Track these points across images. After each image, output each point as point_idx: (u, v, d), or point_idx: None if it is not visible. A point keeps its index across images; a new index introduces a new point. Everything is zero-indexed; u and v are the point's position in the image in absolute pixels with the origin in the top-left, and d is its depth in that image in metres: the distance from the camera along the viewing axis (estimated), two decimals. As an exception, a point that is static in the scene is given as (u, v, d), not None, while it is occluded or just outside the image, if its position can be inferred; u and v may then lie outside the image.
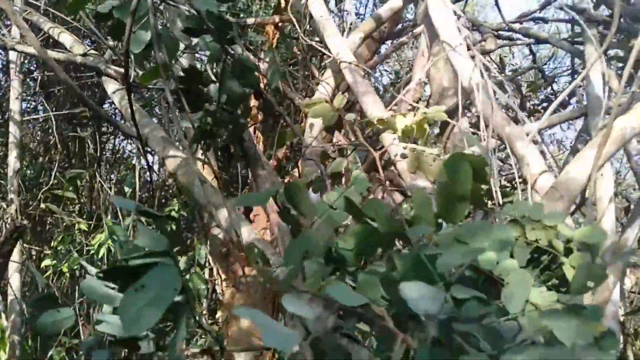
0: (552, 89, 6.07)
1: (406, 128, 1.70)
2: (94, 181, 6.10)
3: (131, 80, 1.94)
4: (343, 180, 2.40)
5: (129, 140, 7.41)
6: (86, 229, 4.98)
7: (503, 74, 5.93)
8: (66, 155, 5.75)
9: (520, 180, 1.73)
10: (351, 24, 2.53)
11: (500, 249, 0.90)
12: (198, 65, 2.77)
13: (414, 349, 0.77)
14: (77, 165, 5.87)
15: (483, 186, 1.36)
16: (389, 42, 4.26)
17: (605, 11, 3.60)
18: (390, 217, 0.96)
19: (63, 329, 0.91)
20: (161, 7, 1.67)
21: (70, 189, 4.53)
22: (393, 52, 3.66)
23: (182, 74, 1.64)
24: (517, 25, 3.97)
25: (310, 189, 1.75)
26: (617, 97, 1.64)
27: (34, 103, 6.33)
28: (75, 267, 4.63)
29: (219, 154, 2.51)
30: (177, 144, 1.83)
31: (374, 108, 1.89)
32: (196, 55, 2.46)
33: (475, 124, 2.08)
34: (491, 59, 6.42)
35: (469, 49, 1.99)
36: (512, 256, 1.39)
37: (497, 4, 3.89)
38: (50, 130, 5.83)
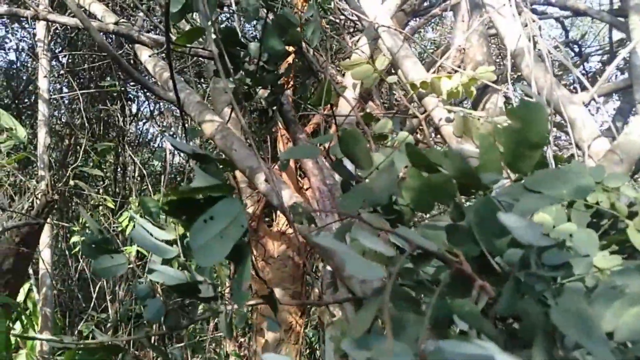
0: (584, 67, 5.86)
1: (452, 90, 1.63)
2: (119, 161, 6.17)
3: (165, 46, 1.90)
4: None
5: (152, 122, 7.46)
6: (112, 207, 5.03)
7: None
8: (91, 134, 5.81)
9: (573, 145, 1.64)
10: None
11: (580, 196, 0.84)
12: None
13: (492, 297, 0.72)
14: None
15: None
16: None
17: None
18: (455, 157, 0.90)
19: (118, 274, 0.89)
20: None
21: (98, 166, 4.58)
22: (425, 24, 3.55)
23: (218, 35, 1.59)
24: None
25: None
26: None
27: (59, 85, 6.40)
28: (102, 244, 4.70)
29: (253, 116, 2.47)
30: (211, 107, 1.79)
31: (415, 71, 1.82)
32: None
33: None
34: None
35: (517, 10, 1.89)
36: (569, 220, 1.33)
37: (533, -25, 3.73)
38: (76, 110, 5.89)
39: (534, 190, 0.87)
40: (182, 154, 6.90)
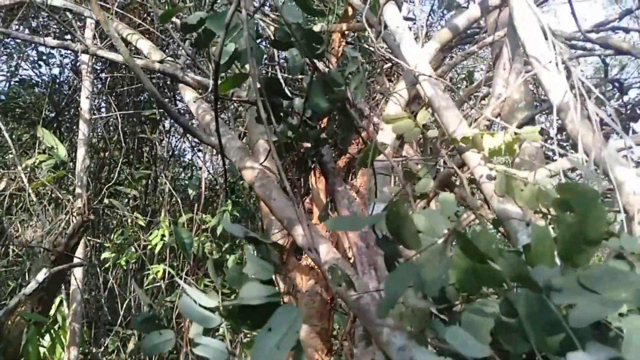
0: (623, 100, 5.70)
1: (494, 148, 1.61)
2: (150, 178, 6.31)
3: (210, 90, 1.95)
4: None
5: (184, 139, 7.63)
6: (143, 224, 5.14)
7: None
8: (125, 152, 5.98)
9: (621, 209, 1.59)
10: (426, 34, 2.44)
11: (636, 300, 0.81)
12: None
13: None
14: (135, 162, 6.10)
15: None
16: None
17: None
18: (512, 258, 0.89)
19: (165, 350, 0.90)
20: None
21: (134, 187, 4.71)
22: (462, 60, 3.54)
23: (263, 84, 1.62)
24: (593, 35, 3.74)
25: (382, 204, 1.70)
26: None
27: (97, 102, 6.63)
28: (133, 261, 4.81)
29: (294, 166, 2.51)
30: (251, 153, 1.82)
31: (456, 124, 1.81)
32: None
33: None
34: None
35: (563, 64, 1.86)
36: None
37: (572, 11, 3.68)
38: (113, 128, 6.09)
39: (587, 287, 0.84)
40: (211, 171, 7.00)
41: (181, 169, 7.28)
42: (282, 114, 1.63)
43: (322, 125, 1.56)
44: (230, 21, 1.38)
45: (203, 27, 1.55)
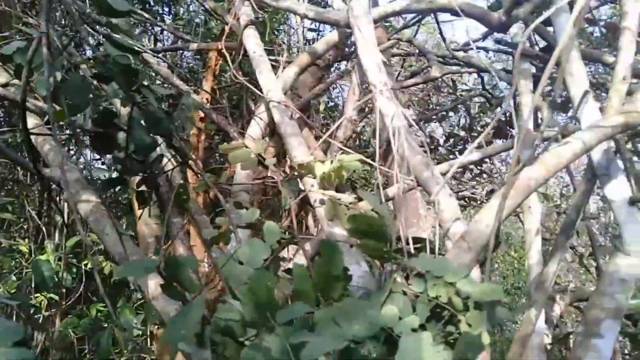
0: (494, 113, 6.28)
1: (324, 174, 1.71)
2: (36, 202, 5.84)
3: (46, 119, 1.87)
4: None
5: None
6: (27, 250, 4.76)
7: (455, 95, 6.10)
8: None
9: (436, 226, 1.76)
10: (287, 58, 2.52)
11: (369, 332, 0.91)
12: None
13: None
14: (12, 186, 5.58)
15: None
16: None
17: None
18: (269, 296, 0.96)
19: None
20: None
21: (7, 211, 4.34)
22: (338, 79, 3.69)
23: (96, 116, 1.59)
24: (461, 54, 4.08)
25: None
26: (516, 149, 1.71)
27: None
28: (13, 290, 4.42)
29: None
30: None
31: (298, 151, 1.89)
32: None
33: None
34: (444, 81, 6.58)
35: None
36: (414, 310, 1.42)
37: (440, 33, 4.00)
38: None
39: (336, 322, 0.93)
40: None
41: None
42: (113, 146, 1.61)
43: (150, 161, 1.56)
44: (33, 56, 1.34)
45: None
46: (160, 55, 3.28)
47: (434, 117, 6.37)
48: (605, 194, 2.03)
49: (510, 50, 3.49)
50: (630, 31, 2.09)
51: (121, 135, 1.52)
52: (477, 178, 6.44)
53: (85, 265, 4.74)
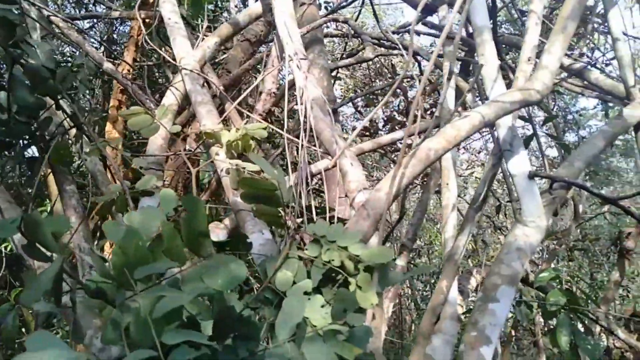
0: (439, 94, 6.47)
1: (230, 142, 1.68)
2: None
3: None
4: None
5: None
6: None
7: (392, 78, 6.20)
8: None
9: (344, 196, 1.78)
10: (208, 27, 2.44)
11: (230, 286, 0.90)
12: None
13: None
14: None
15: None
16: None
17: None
18: (139, 255, 0.93)
19: None
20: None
21: None
22: (268, 56, 3.64)
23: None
24: (395, 36, 4.14)
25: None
26: (417, 119, 1.76)
27: None
28: None
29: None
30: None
31: (207, 119, 1.85)
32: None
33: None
34: (383, 64, 6.67)
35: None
36: (309, 276, 1.44)
37: (374, 14, 4.03)
38: None
39: (201, 277, 0.92)
40: None
41: None
42: (-3, 108, 1.49)
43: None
44: None
45: None
46: (87, 24, 3.08)
47: (375, 101, 6.47)
48: (507, 168, 2.14)
49: (438, 33, 3.58)
50: (535, 14, 2.19)
51: (2, 95, 1.41)
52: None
53: (6, 248, 4.48)
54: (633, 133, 2.73)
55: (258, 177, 1.50)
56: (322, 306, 1.30)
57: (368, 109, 7.10)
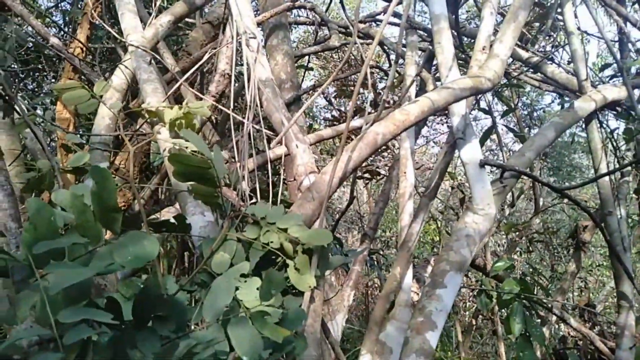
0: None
1: (173, 121, 1.62)
2: None
3: None
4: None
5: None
6: None
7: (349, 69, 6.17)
8: None
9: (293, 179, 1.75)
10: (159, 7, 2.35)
11: (136, 264, 0.86)
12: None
13: None
14: None
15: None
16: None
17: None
18: (51, 230, 0.87)
19: None
20: None
21: None
22: (221, 36, 3.55)
23: None
24: (362, 25, 4.11)
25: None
26: (380, 108, 1.73)
27: None
28: None
29: None
30: None
31: (152, 97, 1.78)
32: None
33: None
34: (352, 54, 6.65)
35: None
36: (247, 259, 1.41)
37: (341, 3, 3.99)
38: None
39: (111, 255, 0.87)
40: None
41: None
42: None
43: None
44: None
45: None
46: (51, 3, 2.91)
47: (348, 91, 6.44)
48: (460, 156, 2.16)
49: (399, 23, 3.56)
50: (490, 4, 2.20)
51: None
52: (382, 153, 6.65)
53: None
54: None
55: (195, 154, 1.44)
56: (258, 289, 1.28)
57: (339, 99, 7.08)
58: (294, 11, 6.49)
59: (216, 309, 1.09)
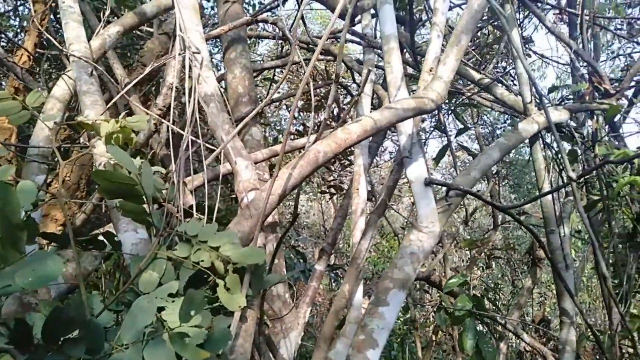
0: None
1: (109, 135, 1.58)
2: None
3: None
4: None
5: None
6: None
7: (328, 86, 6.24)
8: None
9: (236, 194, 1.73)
10: (109, 15, 2.30)
11: (39, 285, 0.82)
12: None
13: None
14: None
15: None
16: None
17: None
18: None
19: None
20: None
21: None
22: (171, 49, 3.54)
23: None
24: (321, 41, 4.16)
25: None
26: (322, 127, 1.74)
27: None
28: None
29: None
30: None
31: (91, 109, 1.74)
32: None
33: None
34: (317, 69, 6.72)
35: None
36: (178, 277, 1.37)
37: (302, 18, 4.03)
38: None
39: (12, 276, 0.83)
40: None
41: None
42: None
43: None
44: None
45: None
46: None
47: (316, 105, 6.49)
48: (406, 174, 2.19)
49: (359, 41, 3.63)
50: (437, 26, 2.26)
51: None
52: (346, 169, 6.69)
53: None
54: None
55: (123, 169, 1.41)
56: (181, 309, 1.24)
57: (304, 113, 7.11)
58: (261, 24, 6.52)
59: (135, 330, 1.05)
